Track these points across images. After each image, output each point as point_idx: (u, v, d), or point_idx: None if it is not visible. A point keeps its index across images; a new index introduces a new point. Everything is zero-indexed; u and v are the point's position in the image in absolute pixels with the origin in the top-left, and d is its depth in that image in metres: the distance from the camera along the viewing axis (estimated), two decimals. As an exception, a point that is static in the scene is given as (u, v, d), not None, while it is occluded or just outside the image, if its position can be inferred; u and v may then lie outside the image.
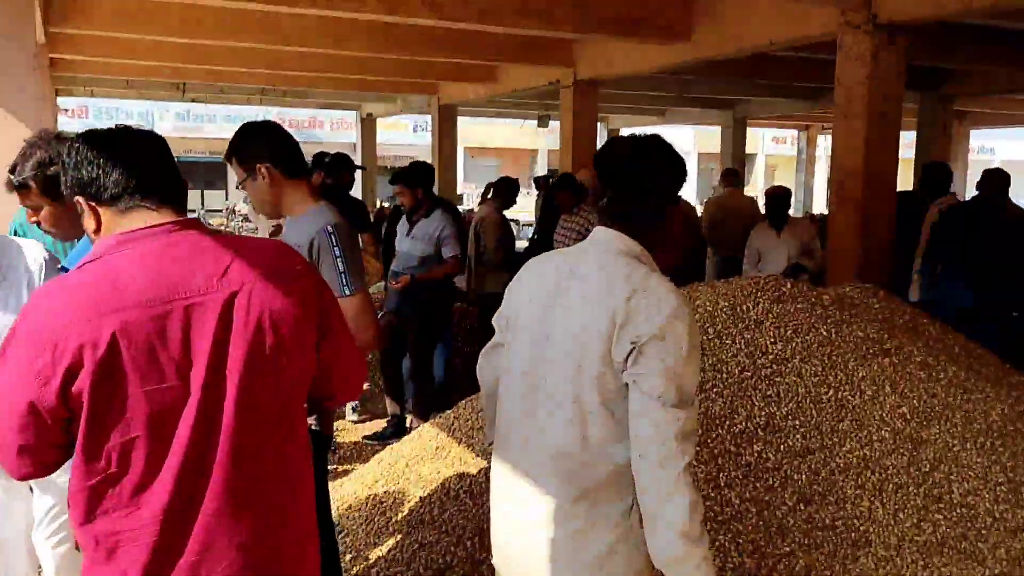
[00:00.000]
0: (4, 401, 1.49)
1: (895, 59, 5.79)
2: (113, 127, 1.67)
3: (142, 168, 1.62)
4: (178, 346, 1.52)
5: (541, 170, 26.28)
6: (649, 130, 1.98)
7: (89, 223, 1.65)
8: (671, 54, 7.80)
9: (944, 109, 11.47)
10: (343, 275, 2.58)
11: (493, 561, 2.04)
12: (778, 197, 6.77)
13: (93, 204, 1.62)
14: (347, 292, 2.58)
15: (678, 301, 1.73)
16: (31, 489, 2.82)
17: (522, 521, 1.87)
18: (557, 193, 6.88)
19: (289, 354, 1.62)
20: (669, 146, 1.87)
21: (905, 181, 13.98)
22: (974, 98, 11.70)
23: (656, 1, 7.14)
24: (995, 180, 5.67)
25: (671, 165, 1.85)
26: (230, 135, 2.80)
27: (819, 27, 6.19)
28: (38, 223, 2.84)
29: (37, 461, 1.54)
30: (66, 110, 18.05)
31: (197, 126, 23.72)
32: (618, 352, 1.72)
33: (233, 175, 2.80)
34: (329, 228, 2.60)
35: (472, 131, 22.85)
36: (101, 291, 1.50)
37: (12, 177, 2.75)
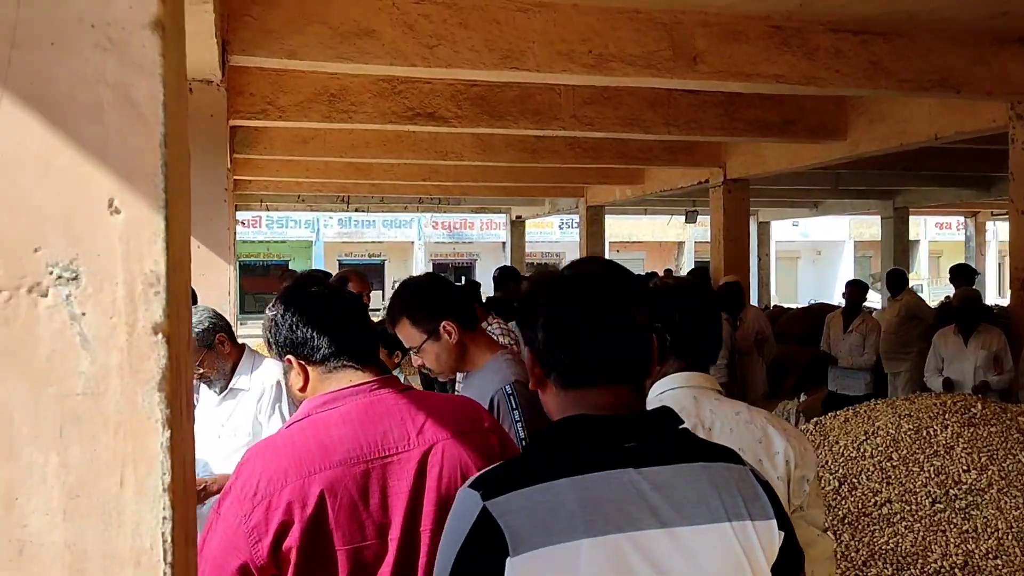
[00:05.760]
0: (216, 563, 1.54)
1: (1076, 150, 5.45)
2: (316, 291, 1.81)
3: (348, 331, 1.74)
4: (377, 504, 1.59)
5: (688, 263, 25.92)
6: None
7: (296, 380, 1.77)
8: (826, 151, 7.66)
9: None
10: (523, 441, 2.40)
11: None
12: (970, 301, 6.16)
13: (303, 363, 1.75)
14: None
15: None
16: None
17: None
18: None
19: (477, 508, 1.65)
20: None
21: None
22: None
23: (809, 102, 7.06)
24: None
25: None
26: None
27: (988, 120, 5.94)
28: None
29: None
30: (242, 222, 19.65)
31: (358, 231, 25.12)
32: None
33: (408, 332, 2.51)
34: (508, 388, 2.47)
35: (618, 225, 23.00)
36: (309, 450, 1.59)
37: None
